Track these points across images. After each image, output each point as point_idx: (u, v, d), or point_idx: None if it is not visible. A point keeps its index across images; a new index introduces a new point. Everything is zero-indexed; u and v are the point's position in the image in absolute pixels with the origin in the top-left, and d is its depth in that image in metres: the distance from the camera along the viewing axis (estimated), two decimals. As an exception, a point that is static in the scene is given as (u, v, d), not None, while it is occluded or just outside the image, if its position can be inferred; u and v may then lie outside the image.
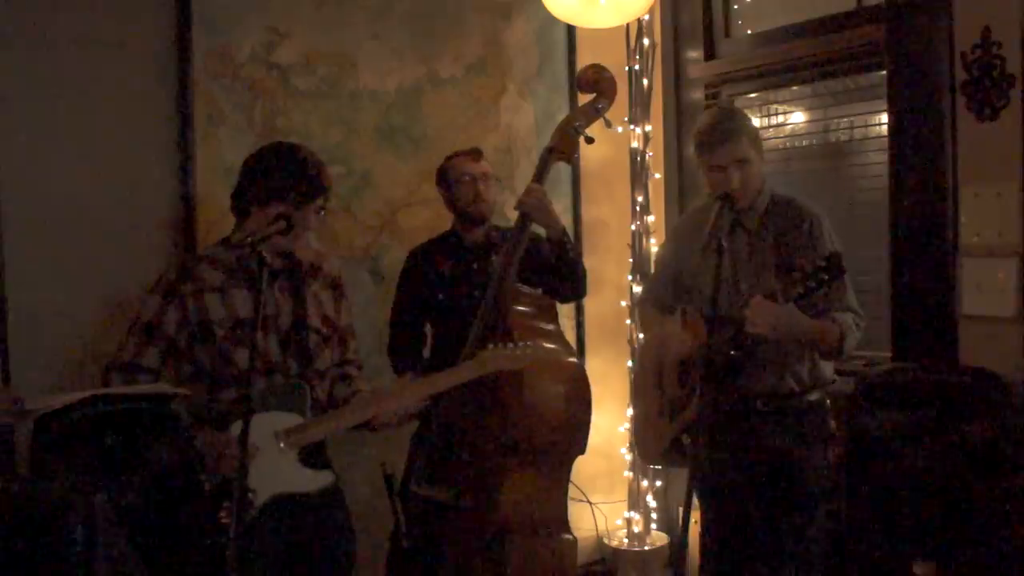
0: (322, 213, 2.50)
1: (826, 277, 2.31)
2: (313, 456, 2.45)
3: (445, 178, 3.16)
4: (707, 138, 2.64)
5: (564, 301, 3.21)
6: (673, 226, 3.18)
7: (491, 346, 2.57)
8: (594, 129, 2.95)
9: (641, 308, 3.08)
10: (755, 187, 2.67)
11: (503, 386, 2.73)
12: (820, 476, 2.62)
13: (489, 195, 3.11)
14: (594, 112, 2.93)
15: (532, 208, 2.89)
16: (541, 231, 3.06)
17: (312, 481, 2.43)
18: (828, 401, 2.69)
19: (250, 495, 2.26)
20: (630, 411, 3.30)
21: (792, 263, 2.46)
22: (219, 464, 2.25)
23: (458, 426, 2.85)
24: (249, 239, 2.24)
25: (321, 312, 2.56)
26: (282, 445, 2.35)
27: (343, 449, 2.79)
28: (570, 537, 2.86)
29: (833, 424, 2.68)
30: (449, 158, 3.18)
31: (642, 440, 2.99)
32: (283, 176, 2.43)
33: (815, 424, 2.64)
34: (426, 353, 3.19)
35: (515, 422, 2.73)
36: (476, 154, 3.14)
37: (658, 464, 3.39)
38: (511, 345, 2.56)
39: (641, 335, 3.65)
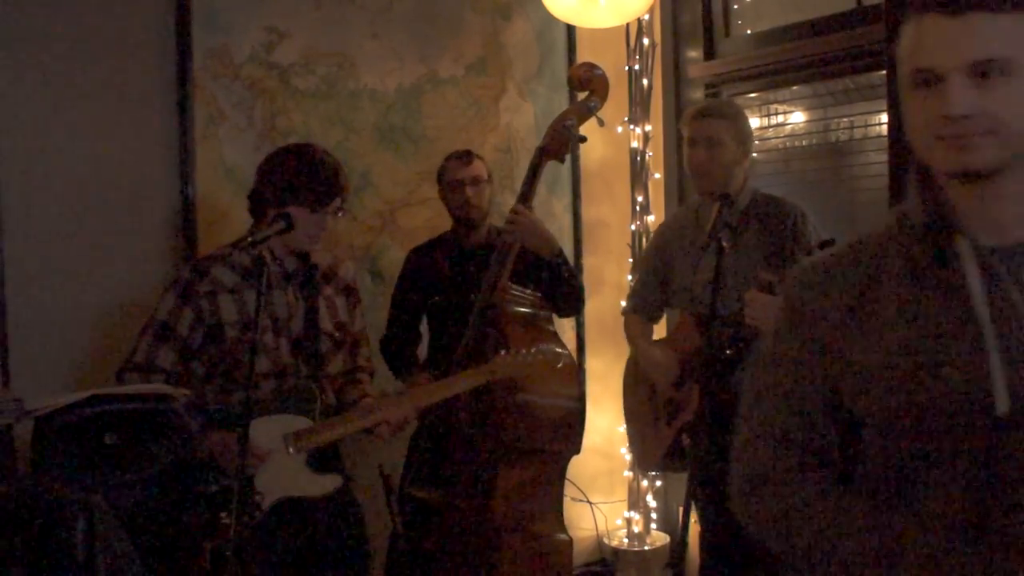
0: (340, 214, 2.49)
1: None
2: (323, 460, 2.44)
3: (440, 180, 3.16)
4: (690, 111, 2.73)
5: (560, 316, 3.21)
6: (657, 229, 3.16)
7: (503, 352, 2.56)
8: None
9: (626, 319, 3.04)
10: (725, 175, 2.65)
11: (497, 387, 2.73)
12: None
13: (481, 199, 3.08)
14: (586, 110, 2.91)
15: (521, 234, 2.85)
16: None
17: (319, 485, 2.42)
18: None
19: (257, 498, 2.26)
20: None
21: (781, 256, 2.45)
22: (232, 465, 2.23)
23: (452, 427, 2.85)
24: (248, 239, 2.24)
25: (335, 317, 2.55)
26: (290, 449, 2.35)
27: (346, 450, 2.79)
28: (565, 537, 2.86)
29: None
30: (446, 159, 3.16)
31: (640, 448, 2.98)
32: (298, 179, 2.41)
33: None
34: (423, 354, 3.19)
35: (509, 422, 2.73)
36: (467, 157, 3.10)
37: (657, 470, 3.38)
38: (523, 352, 2.54)
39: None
